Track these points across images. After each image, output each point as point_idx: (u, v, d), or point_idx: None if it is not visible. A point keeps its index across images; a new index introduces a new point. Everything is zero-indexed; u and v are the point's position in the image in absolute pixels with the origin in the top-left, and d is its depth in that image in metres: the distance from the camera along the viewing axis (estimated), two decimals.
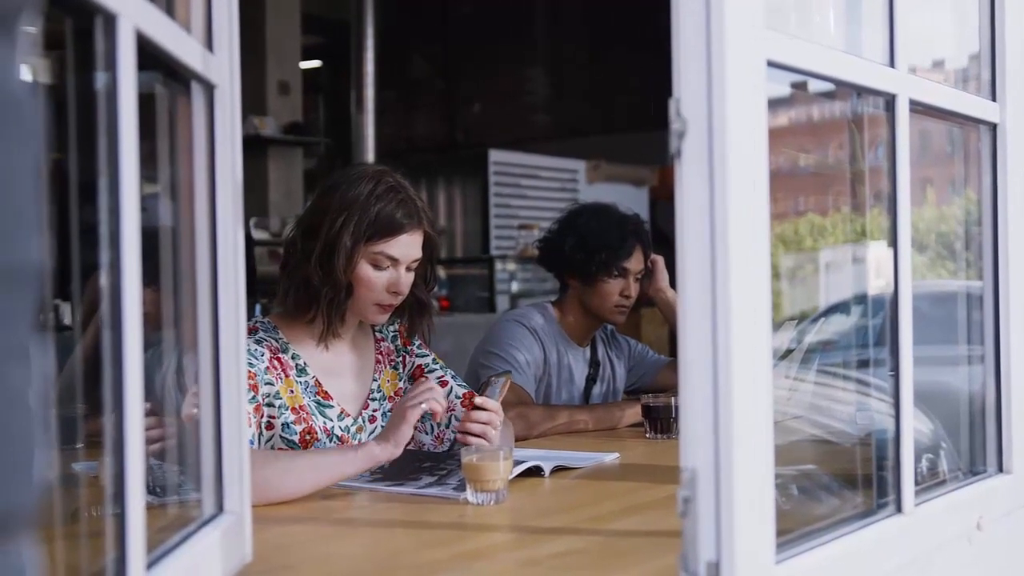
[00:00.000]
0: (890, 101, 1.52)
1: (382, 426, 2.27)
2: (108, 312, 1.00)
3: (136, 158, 1.02)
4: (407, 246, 2.19)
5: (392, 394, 2.35)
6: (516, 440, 2.62)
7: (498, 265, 7.48)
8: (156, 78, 1.26)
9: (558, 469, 2.16)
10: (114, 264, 1.00)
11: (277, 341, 2.21)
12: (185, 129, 1.34)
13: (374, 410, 2.31)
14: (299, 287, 2.19)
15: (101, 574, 1.01)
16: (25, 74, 0.60)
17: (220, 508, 1.37)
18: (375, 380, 2.33)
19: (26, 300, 0.58)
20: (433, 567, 1.50)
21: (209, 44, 1.34)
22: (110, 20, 0.99)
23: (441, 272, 7.62)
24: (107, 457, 1.03)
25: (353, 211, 2.14)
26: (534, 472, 2.09)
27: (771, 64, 1.25)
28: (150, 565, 1.08)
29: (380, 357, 2.37)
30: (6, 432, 0.56)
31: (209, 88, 1.34)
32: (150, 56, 1.11)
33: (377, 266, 2.18)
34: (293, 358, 2.21)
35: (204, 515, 1.34)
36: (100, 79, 1.01)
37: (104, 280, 1.00)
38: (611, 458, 2.34)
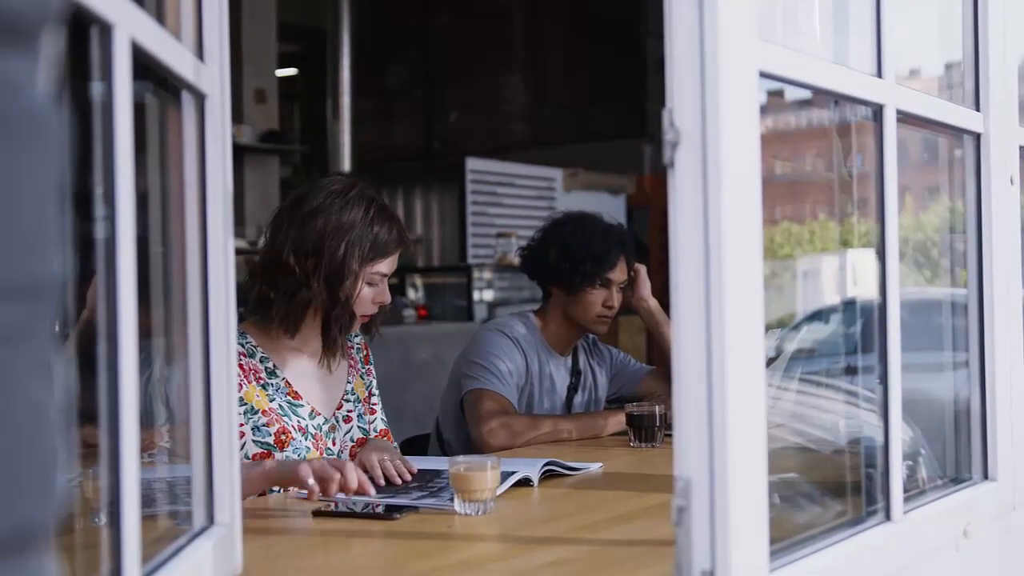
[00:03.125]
0: (878, 111, 1.53)
1: (358, 426, 2.38)
2: (103, 322, 0.99)
3: (132, 167, 1.02)
4: (395, 262, 2.32)
5: (362, 399, 2.43)
6: (500, 450, 2.63)
7: (476, 273, 7.46)
8: (146, 87, 1.26)
9: (547, 476, 2.17)
10: (110, 274, 0.99)
11: (243, 346, 2.23)
12: (175, 139, 1.33)
13: (348, 411, 2.38)
14: (299, 308, 2.23)
15: None
16: (48, 87, 0.60)
17: (211, 520, 1.36)
18: (349, 382, 2.40)
19: (48, 314, 0.58)
20: None
21: (200, 54, 1.34)
22: (106, 30, 0.98)
23: (418, 281, 7.62)
24: (100, 468, 1.02)
25: (354, 236, 2.22)
26: (522, 482, 2.09)
27: (763, 75, 1.25)
28: None
29: (352, 362, 2.44)
30: (30, 446, 0.56)
31: (200, 98, 1.33)
32: (141, 65, 1.10)
33: (370, 284, 2.28)
34: (262, 361, 2.26)
35: (195, 527, 1.34)
36: (95, 88, 1.01)
37: (99, 289, 0.99)
38: (596, 467, 2.34)
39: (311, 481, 1.87)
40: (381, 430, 2.42)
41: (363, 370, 2.46)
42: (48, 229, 0.58)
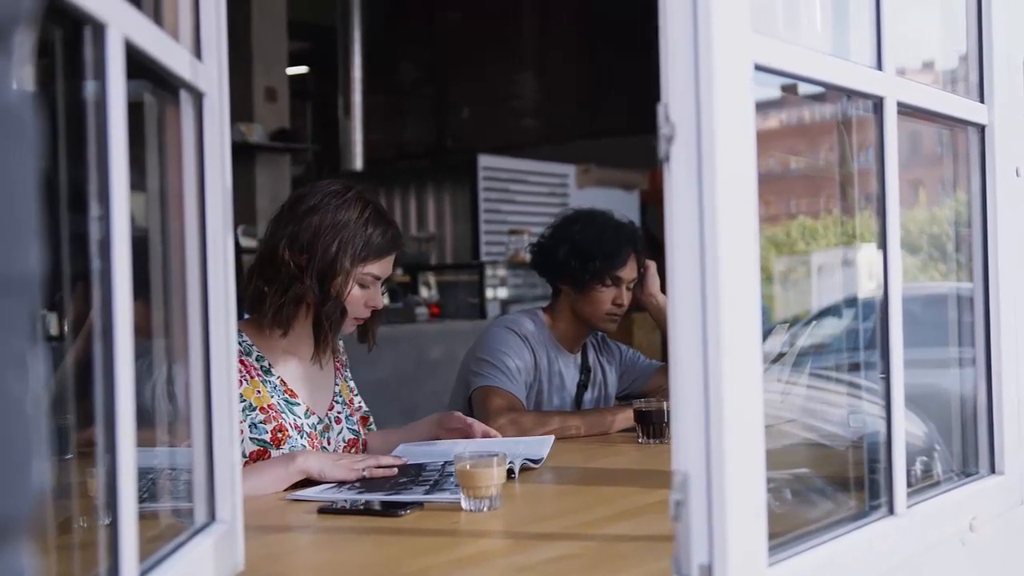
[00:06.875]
0: (878, 104, 1.52)
1: (347, 428, 2.41)
2: (99, 322, 1.00)
3: (126, 166, 1.02)
4: (389, 265, 2.34)
5: (347, 401, 2.46)
6: None
7: (488, 271, 7.46)
8: (144, 86, 1.26)
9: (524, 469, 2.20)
10: (105, 273, 0.99)
11: (240, 345, 2.24)
12: (174, 137, 1.34)
13: (338, 412, 2.42)
14: (291, 303, 2.26)
15: None
16: (21, 84, 0.60)
17: (212, 517, 1.36)
18: (336, 384, 2.45)
19: (24, 308, 0.58)
20: (427, 573, 1.50)
21: (198, 52, 1.34)
22: (99, 29, 0.99)
23: (431, 278, 7.62)
24: (97, 467, 1.03)
25: (347, 235, 2.25)
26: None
27: (758, 68, 1.25)
28: (143, 574, 1.08)
29: (339, 366, 2.49)
30: (5, 439, 0.56)
31: (198, 96, 1.34)
32: (138, 64, 1.10)
33: (362, 285, 2.30)
34: (258, 360, 2.29)
35: (196, 524, 1.34)
36: (89, 87, 1.01)
37: (95, 290, 1.00)
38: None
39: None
40: (349, 440, 2.43)
41: (346, 374, 2.51)
42: (25, 225, 0.58)
